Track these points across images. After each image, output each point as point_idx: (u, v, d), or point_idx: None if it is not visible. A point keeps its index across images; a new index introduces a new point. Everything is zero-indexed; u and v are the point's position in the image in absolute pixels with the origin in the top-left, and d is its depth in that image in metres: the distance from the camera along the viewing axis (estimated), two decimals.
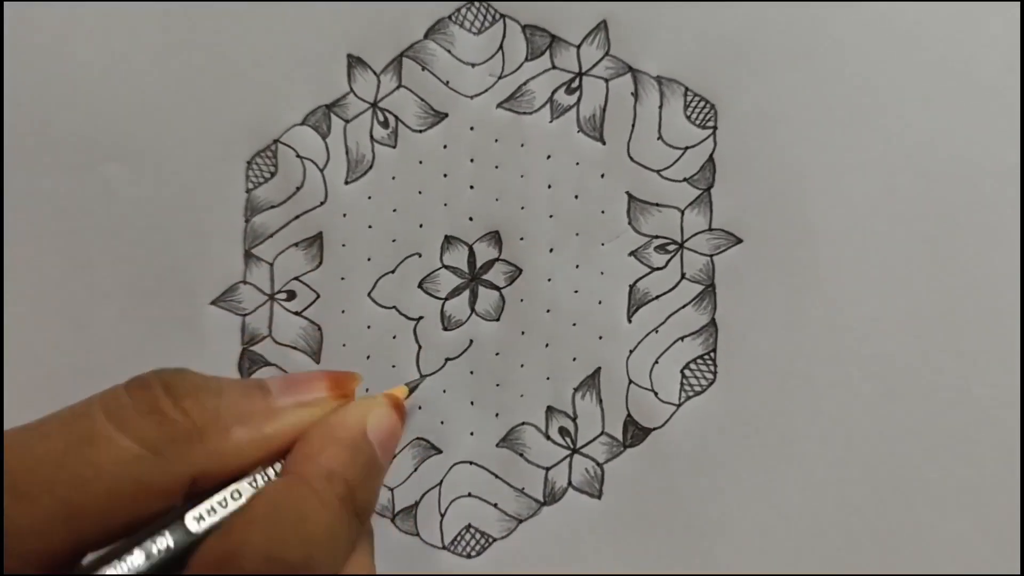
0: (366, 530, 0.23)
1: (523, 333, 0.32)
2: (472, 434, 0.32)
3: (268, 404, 0.23)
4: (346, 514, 0.21)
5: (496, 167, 0.32)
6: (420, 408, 0.32)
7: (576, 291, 0.32)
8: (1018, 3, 0.30)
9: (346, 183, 0.33)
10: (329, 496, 0.21)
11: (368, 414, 0.24)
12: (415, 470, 0.32)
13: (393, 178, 0.33)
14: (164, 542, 0.20)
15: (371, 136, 0.33)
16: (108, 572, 0.19)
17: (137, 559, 0.19)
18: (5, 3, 0.33)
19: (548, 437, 0.32)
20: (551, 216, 0.32)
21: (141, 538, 0.20)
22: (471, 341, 0.32)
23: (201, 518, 0.21)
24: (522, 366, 0.32)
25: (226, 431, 0.21)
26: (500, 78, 0.32)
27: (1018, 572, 0.30)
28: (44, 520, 0.19)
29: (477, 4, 0.32)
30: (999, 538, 0.30)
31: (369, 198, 0.33)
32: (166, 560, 0.20)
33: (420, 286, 0.32)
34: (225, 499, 0.21)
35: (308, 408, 0.23)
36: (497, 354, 0.32)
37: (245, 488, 0.22)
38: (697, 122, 0.31)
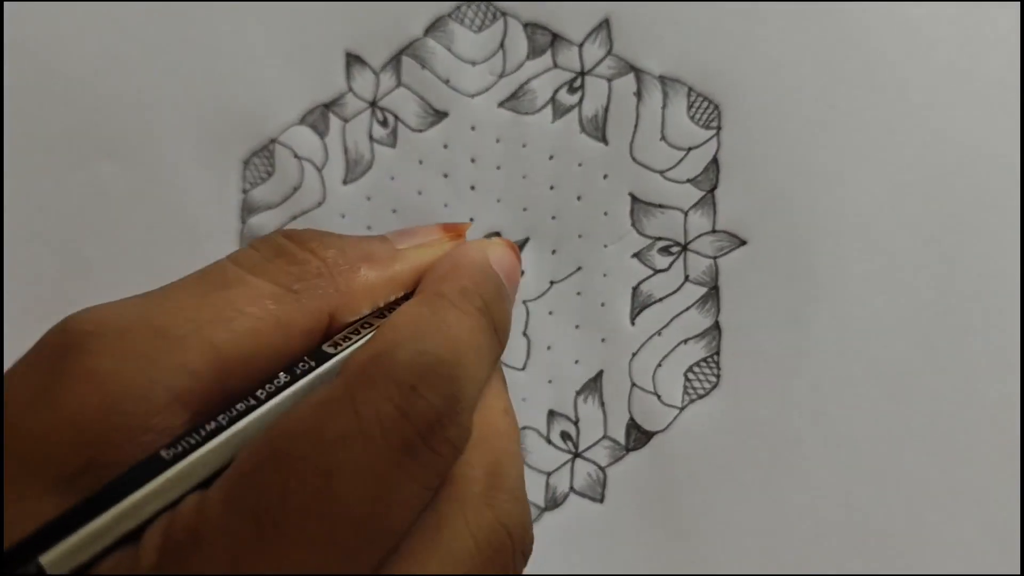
0: (498, 365, 0.24)
1: (525, 336, 0.32)
2: None
3: (390, 247, 0.23)
4: (486, 324, 0.21)
5: (497, 168, 0.32)
6: None
7: (578, 293, 0.32)
8: (1018, 3, 0.30)
9: (344, 183, 0.32)
10: (467, 306, 0.21)
11: (489, 249, 0.24)
12: None
13: (392, 178, 0.32)
14: (305, 364, 0.20)
15: (370, 136, 0.32)
16: (260, 394, 0.19)
17: (283, 379, 0.19)
18: (4, 2, 0.33)
19: (550, 441, 0.32)
20: (553, 218, 0.32)
21: (285, 367, 0.20)
22: None
23: (336, 344, 0.20)
24: (523, 369, 0.32)
25: (355, 268, 0.21)
26: (501, 77, 0.32)
27: (1018, 572, 0.30)
28: (193, 359, 0.18)
29: (477, 2, 0.32)
30: (999, 538, 0.30)
31: (368, 199, 0.32)
32: (311, 381, 0.19)
33: None
34: (357, 328, 0.21)
35: (428, 248, 0.24)
36: None
37: (376, 320, 0.22)
38: (701, 122, 0.31)
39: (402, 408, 0.17)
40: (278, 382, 0.19)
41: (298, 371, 0.20)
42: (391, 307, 0.22)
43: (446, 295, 0.21)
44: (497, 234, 0.32)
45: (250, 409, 0.18)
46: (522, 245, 0.29)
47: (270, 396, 0.19)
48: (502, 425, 0.22)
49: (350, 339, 0.21)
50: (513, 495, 0.20)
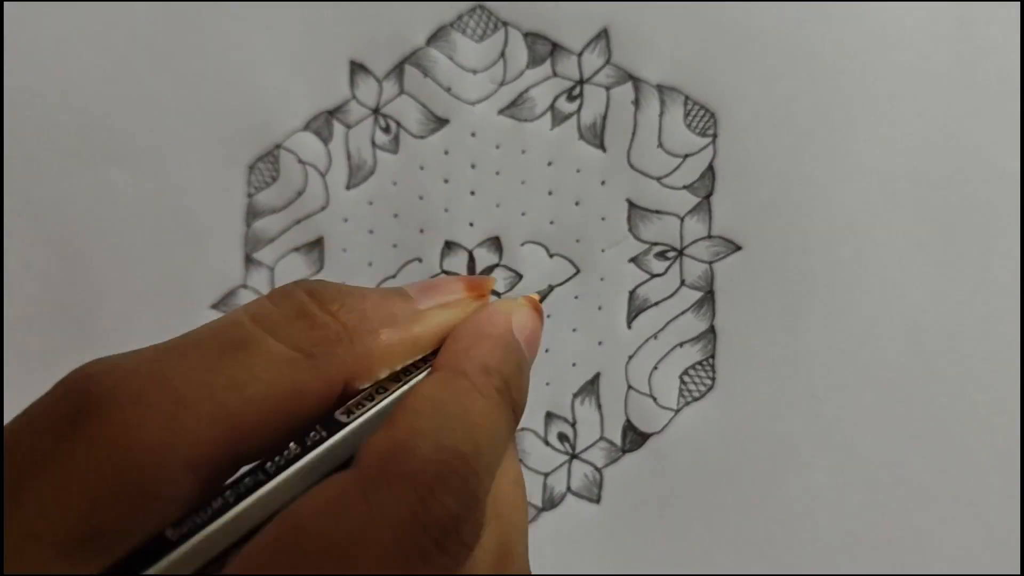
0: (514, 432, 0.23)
1: None
2: None
3: (412, 307, 0.22)
4: (504, 405, 0.21)
5: (497, 173, 0.32)
6: None
7: (576, 297, 0.32)
8: (1018, 4, 0.30)
9: (347, 188, 0.33)
10: (488, 389, 0.21)
11: (512, 313, 0.23)
12: None
13: (394, 183, 0.33)
14: (316, 434, 0.19)
15: (372, 142, 0.33)
16: (269, 467, 0.18)
17: (293, 450, 0.19)
18: (5, 4, 0.34)
19: (547, 442, 0.32)
20: (551, 222, 0.32)
21: (296, 434, 0.19)
22: None
23: (350, 411, 0.20)
24: None
25: (375, 332, 0.21)
26: (501, 85, 0.32)
27: (1018, 572, 0.30)
28: (206, 425, 0.18)
29: (479, 11, 0.32)
30: (999, 539, 0.30)
31: (370, 203, 0.33)
32: (321, 454, 0.19)
33: None
34: (371, 394, 0.21)
35: (450, 309, 0.23)
36: None
37: (391, 384, 0.21)
38: (697, 130, 0.31)
39: (418, 514, 0.17)
40: (288, 454, 0.19)
41: (308, 442, 0.19)
42: (408, 370, 0.22)
43: (468, 375, 0.21)
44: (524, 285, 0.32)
45: (258, 485, 0.18)
46: (545, 295, 0.28)
47: (280, 469, 0.18)
48: (511, 498, 0.21)
49: (363, 405, 0.20)
50: (521, 571, 0.20)
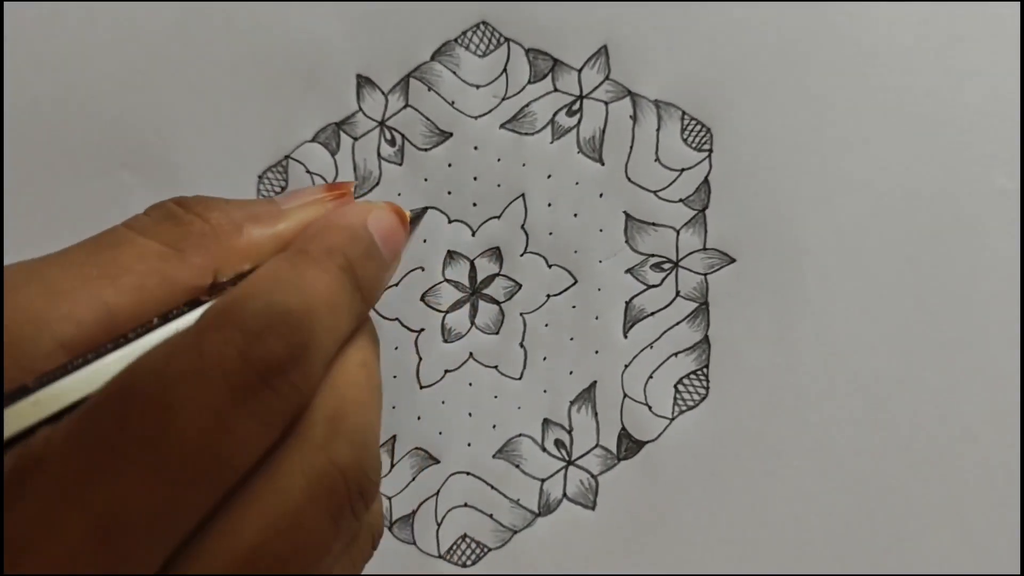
0: (369, 325, 0.24)
1: (522, 346, 0.33)
2: (469, 445, 0.33)
3: (276, 208, 0.24)
4: (347, 282, 0.22)
5: (498, 185, 0.33)
6: (419, 418, 0.33)
7: (574, 306, 0.33)
8: (1018, 5, 0.31)
9: (354, 199, 0.34)
10: (329, 265, 0.22)
11: (369, 211, 0.24)
12: (413, 479, 0.33)
13: (399, 194, 0.34)
14: (177, 311, 0.21)
15: (378, 153, 0.34)
16: (129, 336, 0.20)
17: (154, 324, 0.20)
18: (16, 7, 0.35)
19: (544, 449, 0.33)
20: (551, 233, 0.33)
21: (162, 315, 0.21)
22: (470, 354, 0.33)
23: (211, 295, 0.22)
24: (520, 379, 0.33)
25: (240, 229, 0.23)
26: (503, 99, 0.33)
27: (1018, 572, 0.30)
28: (80, 310, 0.20)
29: (483, 28, 0.33)
30: (999, 538, 0.30)
31: None
32: (177, 326, 0.21)
33: (422, 299, 0.33)
34: (235, 282, 0.22)
35: (314, 206, 0.25)
36: (496, 367, 0.33)
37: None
38: (693, 145, 0.32)
39: (244, 352, 0.19)
40: (149, 325, 0.20)
41: (171, 316, 0.21)
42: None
43: (310, 252, 0.22)
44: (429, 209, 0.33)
45: (118, 346, 0.20)
46: (420, 215, 0.29)
47: (137, 336, 0.20)
48: (355, 376, 0.22)
49: (224, 291, 0.22)
50: (353, 441, 0.21)
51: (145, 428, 0.17)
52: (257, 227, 0.23)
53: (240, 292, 0.20)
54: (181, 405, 0.18)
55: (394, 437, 0.33)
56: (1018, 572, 0.31)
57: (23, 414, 0.18)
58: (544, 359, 0.33)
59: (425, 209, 0.32)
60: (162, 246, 0.22)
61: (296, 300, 0.20)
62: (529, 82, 0.33)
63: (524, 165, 0.33)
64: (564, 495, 0.33)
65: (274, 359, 0.19)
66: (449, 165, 0.33)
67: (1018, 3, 0.31)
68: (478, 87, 0.33)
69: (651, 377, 0.32)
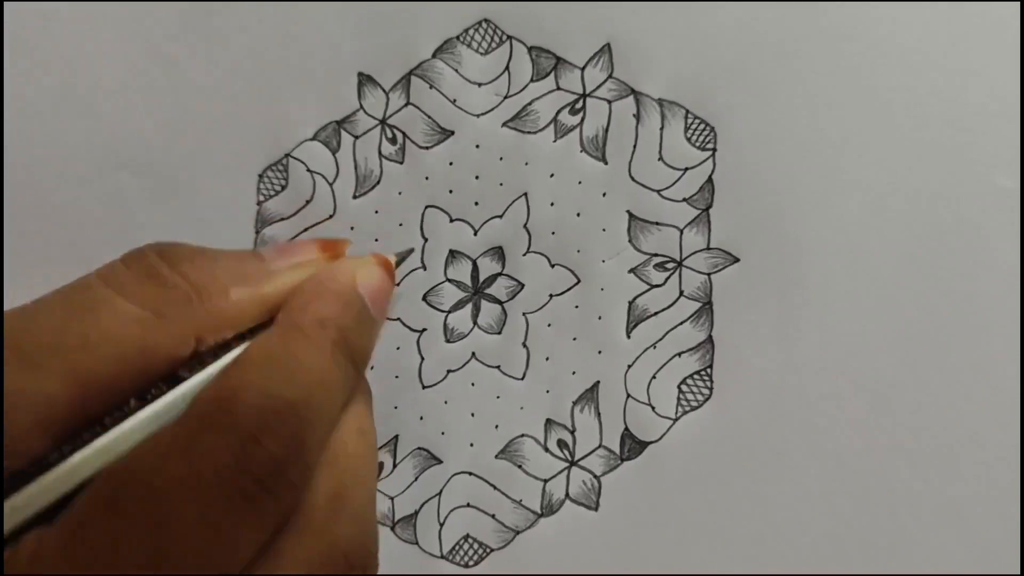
0: (363, 385, 0.23)
1: (524, 346, 0.33)
2: (472, 445, 0.33)
3: (264, 267, 0.23)
4: (341, 358, 0.21)
5: (500, 184, 0.33)
6: (421, 419, 0.33)
7: (577, 306, 0.33)
8: (1017, 5, 0.31)
9: (354, 197, 0.34)
10: (322, 340, 0.21)
11: (357, 270, 0.24)
12: (415, 480, 0.33)
13: (400, 193, 0.34)
14: (156, 390, 0.20)
15: (379, 152, 0.34)
16: (106, 422, 0.19)
17: (133, 406, 0.19)
18: (16, 6, 0.34)
19: (547, 449, 0.33)
20: (553, 233, 0.33)
21: (139, 392, 0.20)
22: (473, 354, 0.33)
23: (192, 368, 0.20)
24: (522, 379, 0.33)
25: (225, 292, 0.21)
26: (506, 98, 0.33)
27: (1018, 572, 0.30)
28: (53, 385, 0.18)
29: (485, 25, 0.33)
30: (999, 539, 0.30)
31: (376, 212, 0.34)
32: (158, 408, 0.19)
33: (424, 299, 0.33)
34: (216, 352, 0.21)
35: (302, 268, 0.23)
36: (498, 367, 0.33)
37: (237, 342, 0.21)
38: (697, 144, 0.32)
39: (240, 458, 0.18)
40: (127, 409, 0.19)
41: (149, 397, 0.20)
42: (257, 330, 0.22)
43: (303, 327, 0.21)
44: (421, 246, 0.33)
45: (95, 436, 0.19)
46: (403, 257, 0.28)
47: (116, 423, 0.19)
48: (353, 446, 0.22)
49: (206, 363, 0.21)
50: (354, 518, 0.20)
51: (138, 546, 0.17)
52: (243, 289, 0.22)
53: (232, 384, 0.19)
54: (174, 520, 0.17)
55: (396, 437, 0.33)
56: (1018, 572, 0.31)
57: (9, 514, 0.17)
58: (547, 359, 0.33)
59: (410, 250, 0.32)
60: (141, 311, 0.20)
61: (292, 390, 0.19)
62: (531, 80, 0.33)
63: (526, 164, 0.33)
64: (567, 496, 0.32)
65: (272, 464, 0.18)
66: (451, 164, 0.33)
67: (1018, 3, 0.31)
68: (480, 85, 0.33)
69: (654, 377, 0.32)
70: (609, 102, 0.32)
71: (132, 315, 0.20)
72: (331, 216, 0.34)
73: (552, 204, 0.33)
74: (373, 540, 0.21)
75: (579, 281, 0.33)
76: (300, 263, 0.23)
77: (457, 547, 0.33)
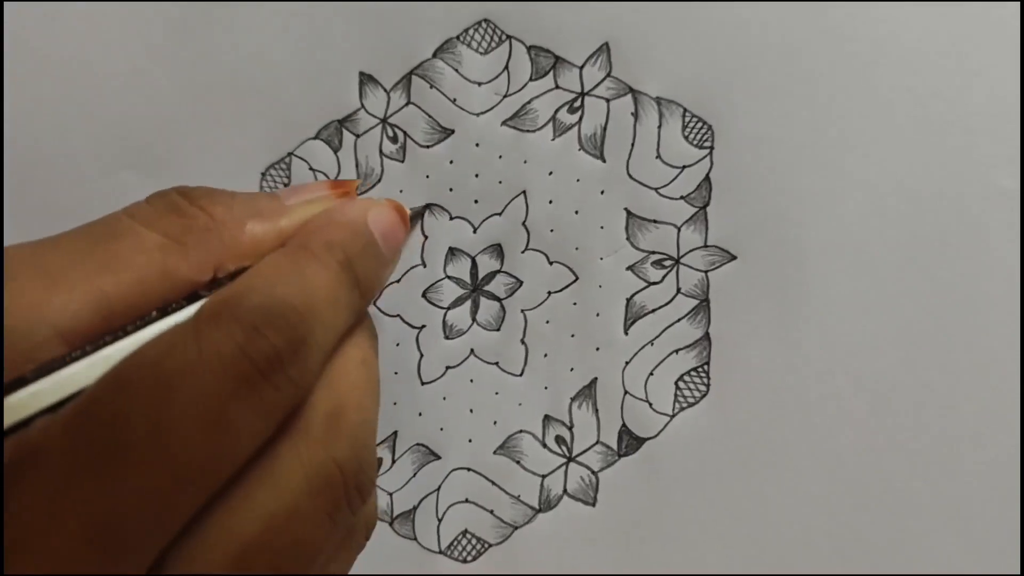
0: (368, 322, 0.24)
1: (523, 343, 0.33)
2: (471, 441, 0.33)
3: (278, 203, 0.24)
4: (346, 278, 0.22)
5: (500, 182, 0.33)
6: (420, 415, 0.33)
7: (575, 303, 0.33)
8: (1017, 5, 0.31)
9: (356, 196, 0.34)
10: (329, 260, 0.22)
11: (370, 208, 0.25)
12: (414, 475, 0.33)
13: (401, 191, 0.34)
14: (176, 305, 0.21)
15: (380, 151, 0.34)
16: (128, 328, 0.20)
17: (153, 316, 0.20)
18: (19, 5, 0.35)
19: (545, 445, 0.33)
20: (552, 230, 0.33)
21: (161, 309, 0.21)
22: (471, 350, 0.33)
23: (211, 288, 0.22)
24: (521, 375, 0.33)
25: (242, 224, 0.23)
26: (505, 97, 0.33)
27: (1018, 572, 0.30)
28: (77, 301, 0.19)
29: (484, 25, 0.33)
30: (999, 539, 0.30)
31: None
32: (179, 318, 0.20)
33: (423, 295, 0.34)
34: (233, 276, 0.22)
35: (315, 204, 0.25)
36: (497, 363, 0.33)
37: None
38: (695, 142, 0.32)
39: (242, 346, 0.19)
40: (148, 318, 0.20)
41: (170, 309, 0.21)
42: None
43: (310, 247, 0.22)
44: (429, 205, 0.33)
45: (117, 339, 0.20)
46: (421, 212, 0.29)
47: (137, 329, 0.20)
48: (354, 373, 0.22)
49: (222, 283, 0.22)
50: (351, 437, 0.21)
51: (143, 423, 0.17)
52: (260, 223, 0.23)
53: (240, 286, 0.20)
54: (179, 399, 0.18)
55: (395, 433, 0.33)
56: (1018, 572, 0.31)
57: (21, 404, 0.18)
58: (545, 356, 0.33)
59: (427, 206, 0.33)
60: (164, 238, 0.21)
61: (295, 295, 0.20)
62: (530, 79, 0.33)
63: (525, 162, 0.33)
64: (565, 491, 0.33)
65: (273, 353, 0.19)
66: (451, 162, 0.34)
67: (1018, 3, 0.31)
68: (480, 84, 0.33)
69: (652, 374, 0.32)
70: (607, 101, 0.33)
71: (153, 242, 0.21)
72: None
73: (551, 202, 0.33)
74: (370, 464, 0.22)
75: (577, 278, 0.33)
76: (312, 199, 0.25)
77: (455, 542, 0.33)
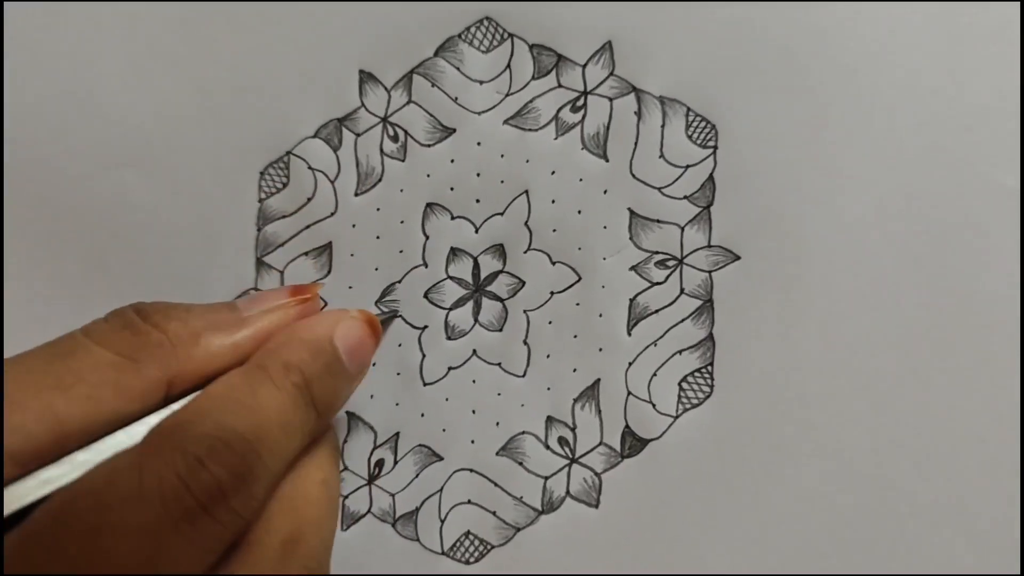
0: (329, 435, 0.24)
1: (525, 344, 0.33)
2: (473, 442, 0.33)
3: (236, 315, 0.24)
4: (301, 401, 0.22)
5: (501, 182, 0.33)
6: (422, 416, 0.33)
7: (577, 304, 0.33)
8: (1017, 5, 0.31)
9: (356, 195, 0.34)
10: (284, 382, 0.22)
11: (338, 323, 0.25)
12: (416, 476, 0.33)
13: (401, 191, 0.34)
14: (130, 427, 0.21)
15: (381, 150, 0.34)
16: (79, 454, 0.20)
17: (99, 441, 0.21)
18: (20, 5, 0.35)
19: (547, 446, 0.33)
20: (554, 230, 0.33)
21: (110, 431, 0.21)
22: (474, 351, 0.33)
23: (166, 404, 0.22)
24: (523, 376, 0.33)
25: (196, 338, 0.23)
26: (507, 95, 0.33)
27: (1018, 572, 0.30)
28: (32, 421, 0.20)
29: (486, 23, 0.33)
30: (999, 538, 0.30)
31: (378, 210, 0.34)
32: (125, 439, 0.21)
33: (425, 296, 0.33)
34: (186, 397, 0.22)
35: (274, 313, 0.25)
36: (499, 364, 0.33)
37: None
38: (698, 141, 0.32)
39: (184, 477, 0.19)
40: (94, 440, 0.20)
41: (116, 431, 0.21)
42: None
43: (267, 367, 0.22)
44: (402, 303, 0.33)
45: (62, 461, 0.20)
46: (389, 317, 0.30)
47: (80, 448, 0.20)
48: (314, 494, 0.22)
49: (180, 402, 0.22)
50: (307, 563, 0.21)
51: (78, 553, 0.17)
52: (216, 336, 0.23)
53: (187, 412, 0.20)
54: (116, 530, 0.18)
55: (397, 434, 0.33)
56: (1018, 572, 0.31)
57: None
58: (547, 356, 0.33)
59: (397, 313, 0.32)
60: (117, 356, 0.22)
61: (244, 421, 0.20)
62: (533, 78, 0.33)
63: (527, 161, 0.33)
64: (567, 493, 0.33)
65: (215, 485, 0.19)
66: (452, 161, 0.33)
67: (1018, 3, 0.31)
68: (481, 83, 0.33)
69: (655, 375, 0.32)
70: (610, 100, 0.33)
71: (106, 359, 0.21)
72: (332, 214, 0.34)
73: (553, 201, 0.33)
74: None
75: (580, 278, 0.33)
76: (271, 308, 0.25)
77: (458, 544, 0.33)
